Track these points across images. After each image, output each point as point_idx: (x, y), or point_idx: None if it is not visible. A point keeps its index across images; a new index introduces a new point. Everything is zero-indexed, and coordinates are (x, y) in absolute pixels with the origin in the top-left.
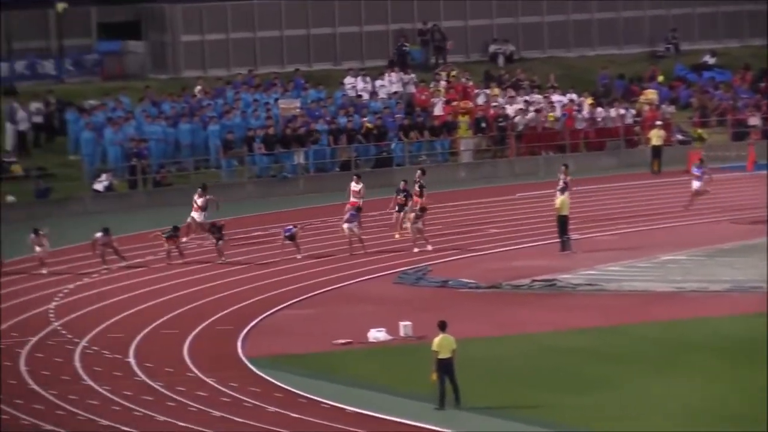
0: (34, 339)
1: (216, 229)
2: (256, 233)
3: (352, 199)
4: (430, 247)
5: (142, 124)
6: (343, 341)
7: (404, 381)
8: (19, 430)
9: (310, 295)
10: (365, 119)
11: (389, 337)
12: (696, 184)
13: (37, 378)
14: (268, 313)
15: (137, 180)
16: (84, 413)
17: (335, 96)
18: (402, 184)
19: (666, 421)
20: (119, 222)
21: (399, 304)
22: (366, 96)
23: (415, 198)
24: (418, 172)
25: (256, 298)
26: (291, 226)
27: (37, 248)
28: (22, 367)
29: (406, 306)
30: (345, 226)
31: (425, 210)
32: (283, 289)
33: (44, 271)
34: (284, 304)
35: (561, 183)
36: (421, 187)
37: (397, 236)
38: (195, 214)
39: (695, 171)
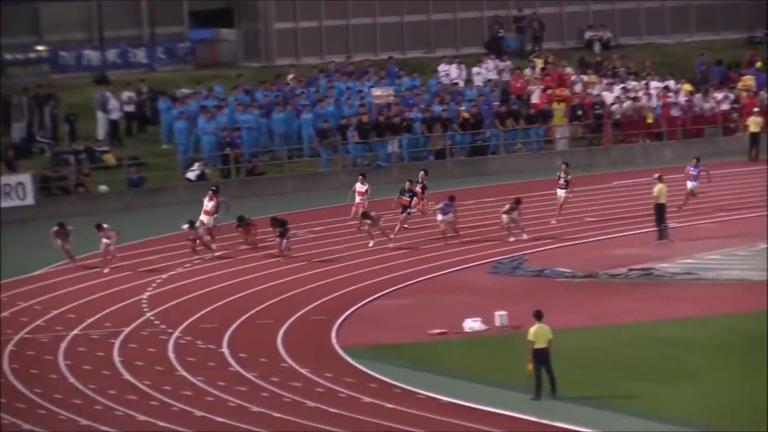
0: (127, 330)
1: (278, 223)
2: (350, 223)
3: (357, 200)
4: (525, 236)
5: (234, 112)
6: (438, 331)
7: (500, 371)
8: (114, 421)
9: (404, 284)
10: (461, 107)
11: (484, 327)
12: (691, 184)
13: (130, 369)
14: (363, 303)
15: (230, 169)
16: (177, 404)
17: (429, 84)
18: (407, 185)
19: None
20: None
21: (494, 293)
22: (461, 84)
23: (416, 199)
24: (421, 172)
25: (350, 288)
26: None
27: (105, 240)
28: (116, 358)
29: (501, 295)
30: (439, 217)
31: (519, 201)
32: (377, 279)
33: (106, 270)
34: (379, 294)
35: (561, 181)
36: (423, 188)
37: (390, 245)
38: (204, 218)
39: (691, 170)
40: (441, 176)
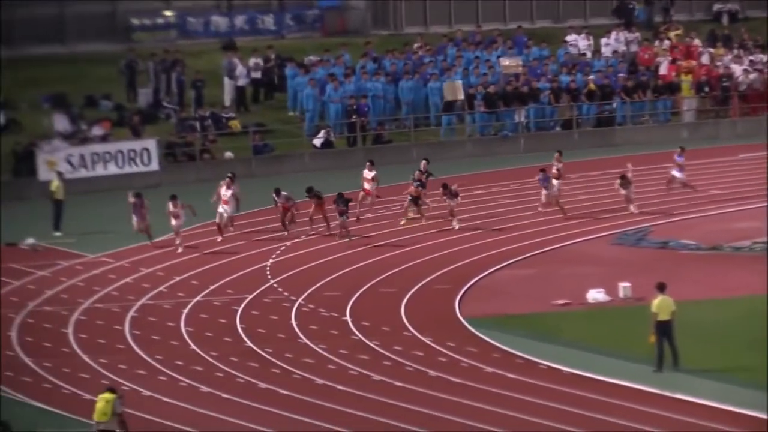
0: (250, 297)
1: (342, 201)
2: (476, 191)
3: (365, 187)
4: (633, 208)
5: (361, 80)
6: (561, 302)
7: (622, 342)
8: (235, 390)
9: (528, 255)
10: (590, 77)
11: (608, 298)
12: (675, 173)
13: (252, 336)
14: (486, 272)
15: (356, 137)
16: (299, 371)
17: (557, 54)
18: (416, 174)
19: None
20: (335, 179)
21: (618, 265)
22: (589, 54)
23: (411, 187)
24: (423, 161)
25: (474, 258)
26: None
27: (174, 221)
28: (238, 325)
29: (625, 267)
30: (544, 193)
31: (625, 177)
32: (501, 249)
33: (179, 250)
34: (502, 264)
35: (554, 170)
36: (428, 175)
37: (402, 222)
38: (223, 208)
39: (677, 159)
40: (568, 147)
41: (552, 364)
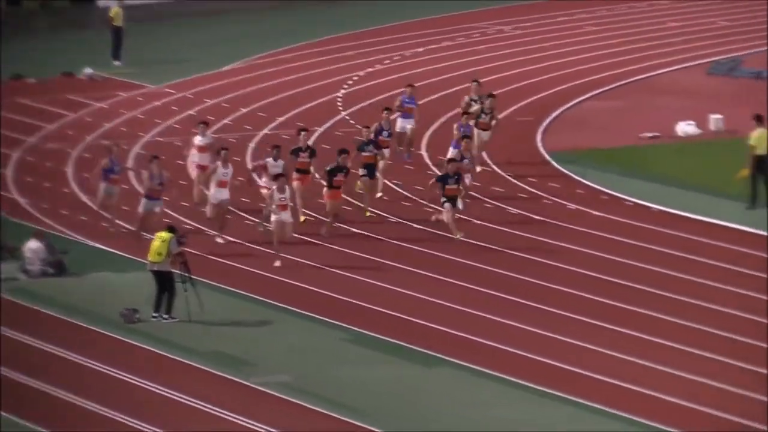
0: (321, 129)
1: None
2: (560, 18)
3: None
4: None
5: None
6: (649, 135)
7: (714, 178)
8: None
9: (615, 85)
10: None
11: (699, 131)
12: None
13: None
14: (571, 103)
15: None
16: (360, 203)
17: None
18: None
19: None
20: None
21: (710, 95)
22: None
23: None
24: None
25: (558, 88)
26: None
27: None
28: None
29: (717, 98)
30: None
31: None
32: (587, 79)
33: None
34: (588, 95)
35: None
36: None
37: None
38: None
39: None
40: None
41: (639, 201)
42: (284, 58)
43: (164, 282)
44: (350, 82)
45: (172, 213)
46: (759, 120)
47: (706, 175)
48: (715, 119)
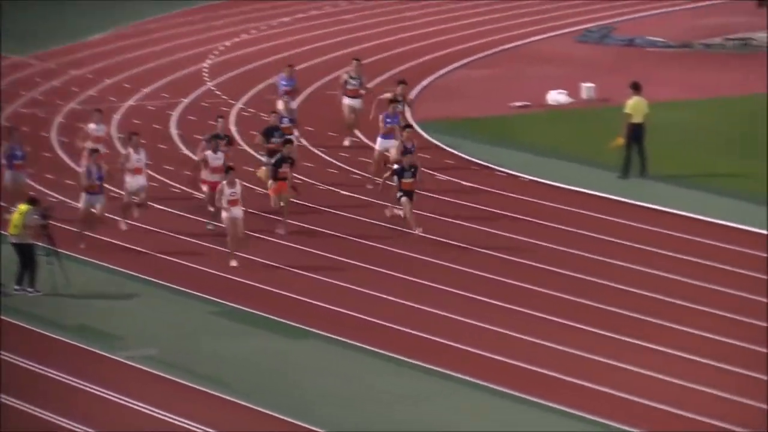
0: (186, 101)
1: None
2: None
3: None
4: None
5: None
6: (520, 104)
7: (585, 147)
8: (170, 201)
9: (485, 53)
10: None
11: (570, 100)
12: None
13: (189, 143)
14: (440, 73)
15: None
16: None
17: None
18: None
19: None
20: None
21: (581, 64)
22: None
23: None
24: None
25: (427, 57)
26: None
27: None
28: (173, 131)
29: (588, 66)
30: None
31: None
32: (456, 48)
33: None
34: (457, 63)
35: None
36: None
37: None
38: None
39: None
40: None
41: (510, 171)
42: (151, 27)
43: (25, 255)
44: (216, 52)
45: (37, 186)
46: (635, 88)
47: (578, 144)
48: (586, 87)
